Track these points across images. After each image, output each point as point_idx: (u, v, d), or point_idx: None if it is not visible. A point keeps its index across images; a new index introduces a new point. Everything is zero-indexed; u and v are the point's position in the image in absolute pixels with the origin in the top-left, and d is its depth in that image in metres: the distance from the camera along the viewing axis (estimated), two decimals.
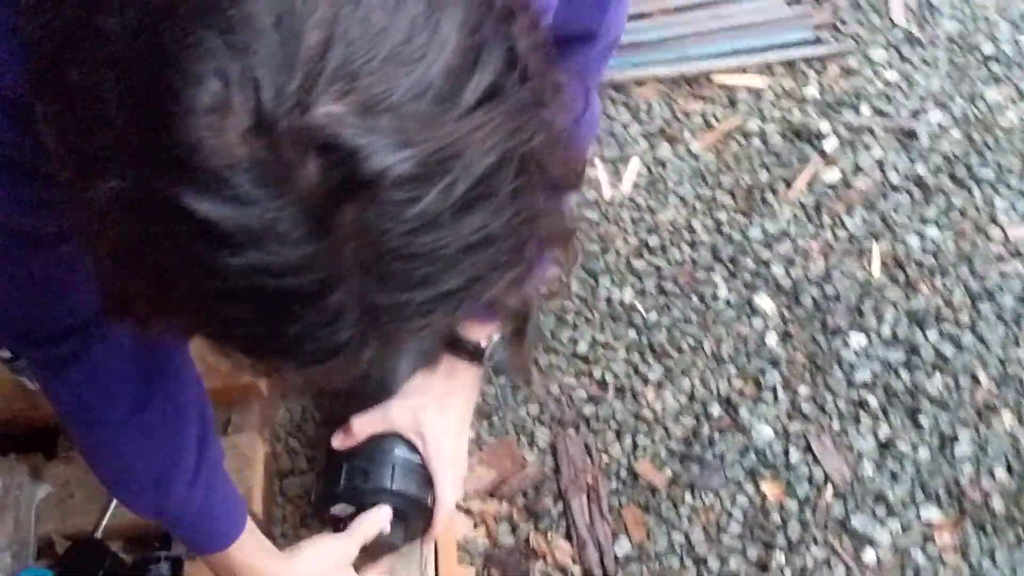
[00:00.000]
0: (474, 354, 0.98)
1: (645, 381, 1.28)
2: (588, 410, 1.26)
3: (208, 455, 0.77)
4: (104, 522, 1.00)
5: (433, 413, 1.00)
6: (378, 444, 0.99)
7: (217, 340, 0.41)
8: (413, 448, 0.99)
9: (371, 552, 0.99)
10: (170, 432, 0.74)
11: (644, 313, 1.33)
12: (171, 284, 0.38)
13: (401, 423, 0.99)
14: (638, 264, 1.38)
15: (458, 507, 1.17)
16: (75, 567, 0.93)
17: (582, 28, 0.76)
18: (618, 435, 1.24)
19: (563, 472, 1.21)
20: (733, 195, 1.43)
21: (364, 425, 0.99)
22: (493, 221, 0.38)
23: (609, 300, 1.35)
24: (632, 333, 1.32)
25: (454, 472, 1.02)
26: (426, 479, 1.00)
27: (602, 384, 1.28)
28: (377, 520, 0.95)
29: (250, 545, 0.83)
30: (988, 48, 1.54)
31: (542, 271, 0.47)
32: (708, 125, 1.51)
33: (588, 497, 1.20)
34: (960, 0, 1.61)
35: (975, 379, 1.24)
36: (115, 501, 0.99)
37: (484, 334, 0.98)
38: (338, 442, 1.00)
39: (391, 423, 0.99)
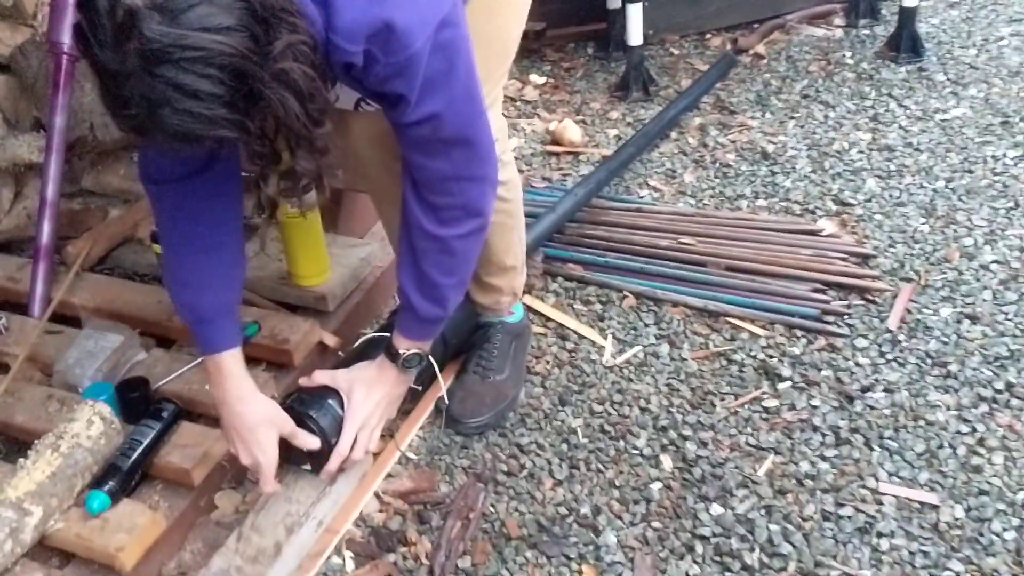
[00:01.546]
0: (395, 356, 1.52)
1: (552, 476, 1.69)
2: (501, 477, 1.70)
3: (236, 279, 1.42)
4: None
5: (363, 388, 1.54)
6: (326, 391, 1.54)
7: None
8: (342, 407, 1.53)
9: (291, 461, 1.53)
10: (217, 259, 1.40)
11: (580, 437, 1.76)
12: None
13: (341, 384, 1.54)
14: (598, 408, 1.82)
15: (376, 494, 1.64)
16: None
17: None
18: (509, 499, 1.66)
19: (456, 503, 1.65)
20: (692, 391, 1.84)
21: (321, 376, 1.55)
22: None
23: (563, 421, 1.79)
24: (564, 447, 1.75)
25: (359, 433, 1.53)
26: (338, 428, 1.52)
27: (522, 467, 1.72)
28: (302, 436, 1.48)
29: (237, 361, 1.44)
30: (955, 367, 1.84)
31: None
32: (705, 346, 1.95)
33: (462, 524, 1.62)
34: (952, 329, 1.93)
35: None
36: None
37: (405, 346, 1.51)
38: (304, 381, 1.56)
39: (335, 381, 1.54)
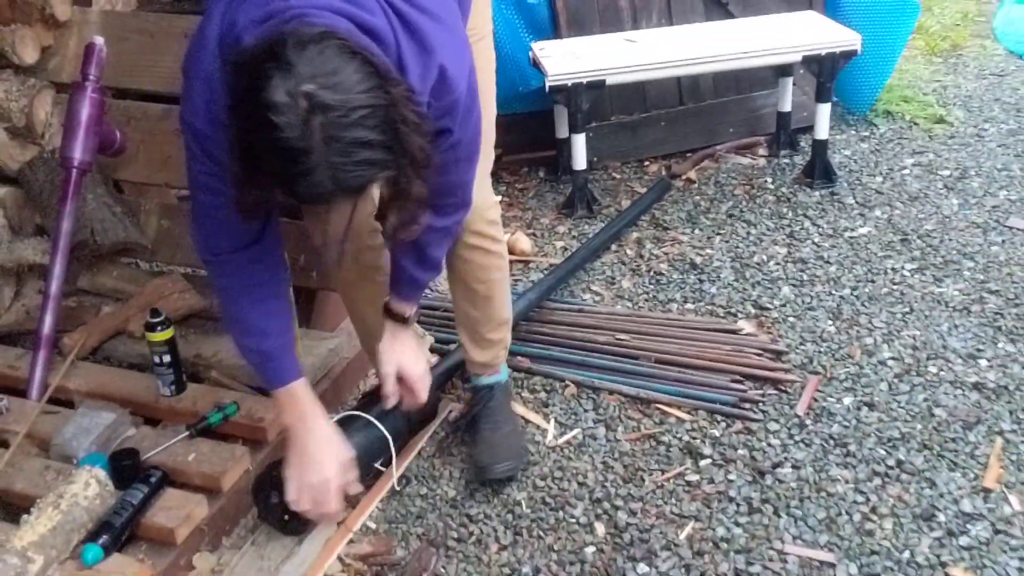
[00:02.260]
0: (408, 319, 1.88)
1: (497, 542, 1.90)
2: (451, 543, 1.91)
3: (289, 322, 1.71)
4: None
5: (408, 355, 1.93)
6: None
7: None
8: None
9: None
10: (275, 307, 1.68)
11: (524, 507, 1.98)
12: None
13: (389, 370, 1.91)
14: (540, 482, 2.04)
15: (339, 557, 1.84)
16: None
17: None
18: (459, 561, 1.86)
19: (411, 565, 1.85)
20: (624, 468, 2.08)
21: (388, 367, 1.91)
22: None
23: (508, 494, 2.01)
24: (509, 516, 1.96)
25: (417, 371, 1.92)
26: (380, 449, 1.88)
27: (471, 534, 1.92)
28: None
29: (306, 389, 1.73)
30: (854, 447, 2.10)
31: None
32: (637, 429, 2.19)
33: None
34: (853, 415, 2.19)
35: None
36: None
37: (411, 310, 1.87)
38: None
39: (387, 368, 1.90)
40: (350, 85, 1.21)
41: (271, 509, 1.79)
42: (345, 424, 1.89)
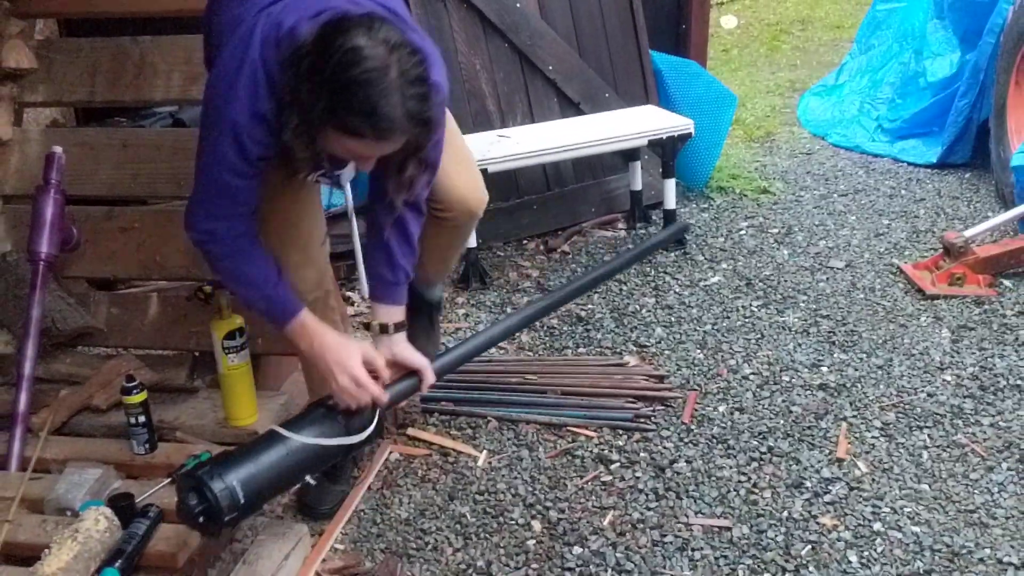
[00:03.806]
0: (401, 326, 2.16)
1: (451, 546, 2.22)
2: (411, 552, 2.21)
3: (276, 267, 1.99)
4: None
5: (397, 345, 2.15)
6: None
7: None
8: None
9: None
10: (262, 260, 1.96)
11: (469, 518, 2.30)
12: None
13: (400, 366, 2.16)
14: (480, 497, 2.38)
15: (316, 573, 2.11)
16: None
17: None
18: (421, 564, 2.16)
19: (380, 570, 2.14)
20: (549, 479, 2.44)
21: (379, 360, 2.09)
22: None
23: (454, 509, 2.33)
24: (457, 526, 2.29)
25: (420, 358, 2.16)
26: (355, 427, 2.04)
27: (427, 544, 2.23)
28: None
29: (313, 316, 1.99)
30: (732, 442, 2.54)
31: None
32: (554, 447, 2.57)
33: None
34: (728, 419, 2.65)
35: None
36: None
37: (400, 315, 2.17)
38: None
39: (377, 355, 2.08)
40: (405, 43, 1.68)
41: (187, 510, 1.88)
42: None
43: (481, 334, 2.44)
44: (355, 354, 1.99)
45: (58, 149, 2.46)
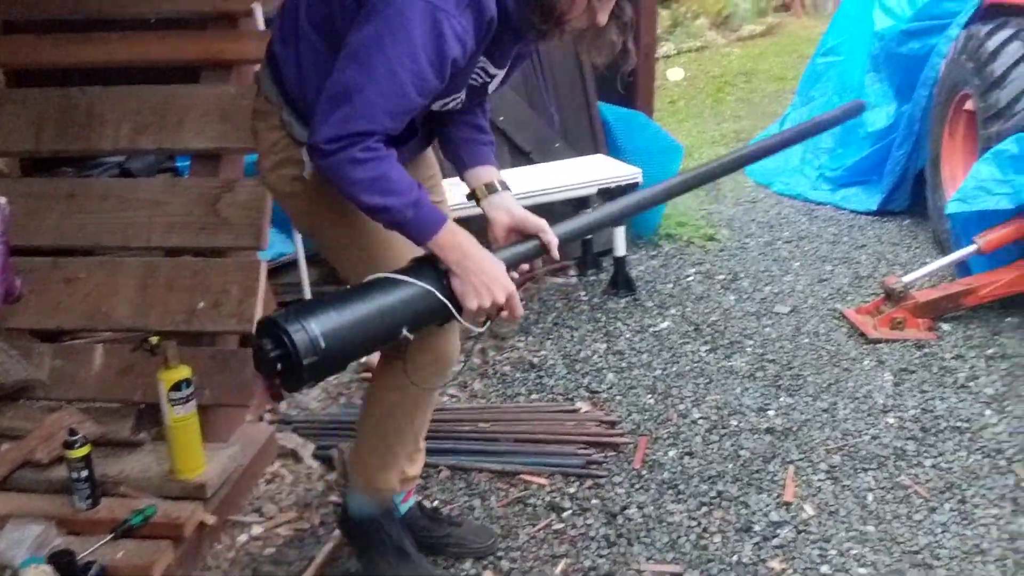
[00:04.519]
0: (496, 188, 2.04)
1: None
2: None
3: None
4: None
5: (512, 204, 2.03)
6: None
7: None
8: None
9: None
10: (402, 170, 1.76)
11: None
12: None
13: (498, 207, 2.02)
14: None
15: None
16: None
17: None
18: None
19: None
20: (501, 527, 2.44)
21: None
22: None
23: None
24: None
25: (538, 220, 2.01)
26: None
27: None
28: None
29: (457, 225, 1.79)
30: (683, 487, 2.56)
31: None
32: (506, 495, 2.58)
33: None
34: (678, 463, 2.67)
35: None
36: None
37: (492, 174, 2.05)
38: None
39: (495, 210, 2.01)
40: None
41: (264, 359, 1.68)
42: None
43: (614, 203, 2.31)
44: (503, 266, 1.85)
45: (2, 199, 2.43)
